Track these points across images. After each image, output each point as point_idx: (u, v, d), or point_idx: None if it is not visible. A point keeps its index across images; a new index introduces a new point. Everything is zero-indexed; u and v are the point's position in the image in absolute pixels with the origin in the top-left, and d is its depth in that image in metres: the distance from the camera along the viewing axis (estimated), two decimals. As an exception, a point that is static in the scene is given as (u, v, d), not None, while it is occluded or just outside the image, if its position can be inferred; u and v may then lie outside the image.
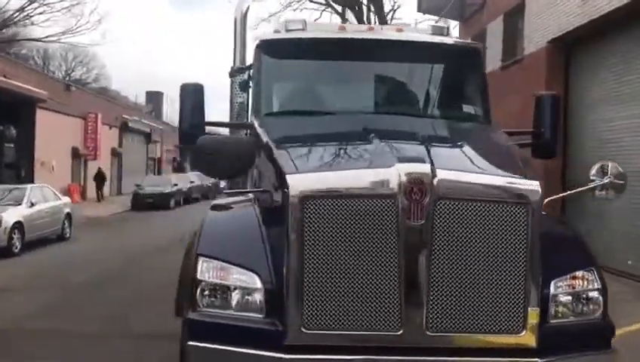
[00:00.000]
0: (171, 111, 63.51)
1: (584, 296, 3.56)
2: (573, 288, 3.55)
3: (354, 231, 3.22)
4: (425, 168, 3.20)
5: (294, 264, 3.22)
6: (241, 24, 6.35)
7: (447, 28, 5.72)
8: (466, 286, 3.24)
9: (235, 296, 3.39)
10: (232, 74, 6.08)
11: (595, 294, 3.57)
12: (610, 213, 10.38)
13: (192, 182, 36.52)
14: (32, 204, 14.40)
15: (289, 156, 3.68)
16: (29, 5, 27.35)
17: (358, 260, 3.22)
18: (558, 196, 3.72)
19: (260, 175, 4.37)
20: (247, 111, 6.28)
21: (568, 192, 4.06)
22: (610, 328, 3.57)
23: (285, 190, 3.28)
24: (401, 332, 3.21)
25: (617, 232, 10.46)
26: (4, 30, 30.85)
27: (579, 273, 3.57)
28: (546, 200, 3.45)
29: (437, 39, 5.27)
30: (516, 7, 15.47)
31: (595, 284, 3.58)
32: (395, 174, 3.18)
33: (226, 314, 3.38)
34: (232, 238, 3.64)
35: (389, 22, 18.80)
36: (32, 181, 20.87)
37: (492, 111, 5.23)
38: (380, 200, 3.21)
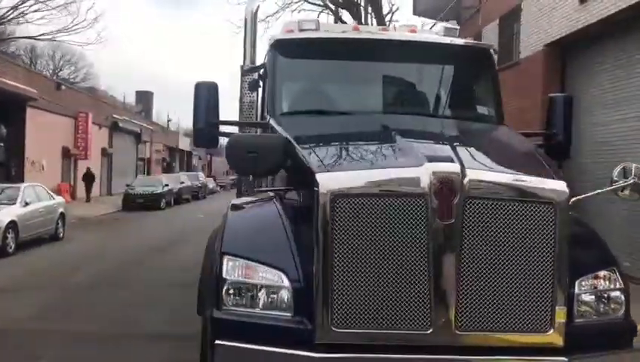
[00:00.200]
0: (159, 110, 63.26)
1: (606, 295, 3.60)
2: (596, 288, 3.59)
3: (383, 230, 3.22)
4: (455, 168, 3.22)
5: (324, 262, 3.22)
6: (251, 24, 6.34)
7: (458, 30, 5.76)
8: (495, 285, 3.26)
9: (262, 295, 3.38)
10: (244, 73, 6.07)
11: (617, 294, 3.61)
12: (608, 214, 10.49)
13: (182, 182, 36.41)
14: (27, 204, 14.24)
15: (315, 155, 3.68)
16: (22, 3, 26.98)
17: (388, 259, 3.23)
18: (582, 196, 3.76)
19: (282, 173, 4.36)
20: (257, 111, 6.28)
21: (592, 193, 4.10)
22: (633, 327, 3.61)
23: (315, 188, 3.28)
24: (430, 331, 3.22)
25: (613, 234, 10.56)
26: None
27: (601, 273, 3.62)
28: (571, 200, 3.48)
29: (451, 40, 5.30)
30: (512, 11, 15.60)
31: (617, 284, 3.62)
32: (425, 173, 3.20)
33: (253, 313, 3.36)
34: (257, 236, 3.63)
35: (387, 24, 18.89)
36: (22, 180, 20.66)
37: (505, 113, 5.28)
38: (410, 198, 3.23)
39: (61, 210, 16.26)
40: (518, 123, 7.87)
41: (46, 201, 15.60)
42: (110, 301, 8.82)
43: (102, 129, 35.77)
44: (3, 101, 21.53)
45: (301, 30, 5.33)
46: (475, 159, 3.53)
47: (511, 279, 3.27)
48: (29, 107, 24.36)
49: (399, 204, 3.23)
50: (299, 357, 3.19)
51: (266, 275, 3.39)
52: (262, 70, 5.98)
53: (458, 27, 5.81)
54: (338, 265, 3.22)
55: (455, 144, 3.63)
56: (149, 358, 6.21)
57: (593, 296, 3.56)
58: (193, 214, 26.56)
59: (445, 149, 3.51)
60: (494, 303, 3.26)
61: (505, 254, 3.26)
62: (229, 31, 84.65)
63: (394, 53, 5.20)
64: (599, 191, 4.15)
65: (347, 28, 6.16)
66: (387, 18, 20.96)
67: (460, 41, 5.44)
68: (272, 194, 4.19)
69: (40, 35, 29.03)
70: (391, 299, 3.23)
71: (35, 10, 27.00)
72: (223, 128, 6.17)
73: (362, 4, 21.24)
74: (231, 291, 3.41)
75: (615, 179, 3.92)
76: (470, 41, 6.25)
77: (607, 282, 3.61)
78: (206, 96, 4.95)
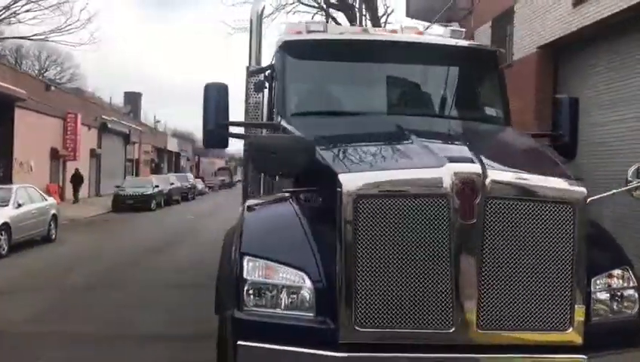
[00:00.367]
0: (147, 111, 62.85)
1: (619, 293, 3.65)
2: (610, 286, 3.63)
3: (406, 230, 3.26)
4: (476, 168, 3.26)
5: (347, 262, 3.24)
6: (256, 24, 6.35)
7: (465, 32, 5.82)
8: (515, 284, 3.30)
9: (283, 295, 3.38)
10: (251, 74, 6.07)
11: (631, 292, 3.66)
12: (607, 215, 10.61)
13: (172, 183, 36.23)
14: (19, 205, 14.09)
15: (335, 155, 3.70)
16: (14, 3, 26.64)
17: (410, 258, 3.26)
18: (597, 197, 3.83)
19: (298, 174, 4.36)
20: (262, 111, 6.28)
21: (607, 193, 4.17)
22: None
23: (338, 189, 3.30)
24: (452, 329, 3.25)
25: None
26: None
27: (615, 271, 3.67)
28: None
29: (459, 42, 5.36)
30: (505, 13, 15.73)
31: (631, 282, 3.67)
32: (447, 174, 3.24)
33: (274, 313, 3.37)
34: (275, 236, 3.63)
35: (382, 26, 18.99)
36: (10, 181, 20.42)
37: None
38: (432, 199, 3.26)
39: (53, 211, 16.13)
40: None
41: (38, 203, 15.46)
42: (106, 302, 8.77)
43: (91, 130, 35.52)
44: (-8, 101, 21.31)
45: (309, 32, 5.35)
46: (493, 160, 3.57)
47: (531, 278, 3.32)
48: (18, 107, 24.11)
49: (422, 204, 3.26)
50: (324, 356, 3.20)
51: (286, 275, 3.40)
52: (268, 71, 5.99)
53: (464, 30, 5.87)
54: (361, 265, 3.24)
55: (471, 145, 3.67)
56: (146, 359, 6.21)
57: (608, 295, 3.61)
58: (184, 215, 26.45)
59: (463, 150, 3.55)
60: (515, 302, 3.30)
61: (525, 253, 3.31)
62: (222, 32, 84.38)
63: (403, 54, 5.24)
64: (614, 191, 4.23)
65: (354, 30, 6.20)
66: (382, 20, 21.12)
67: (468, 43, 5.52)
68: (286, 194, 4.20)
69: (33, 36, 28.58)
70: (413, 298, 3.26)
71: (27, 10, 26.62)
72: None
73: (357, 5, 21.34)
74: (251, 291, 3.41)
75: (629, 179, 4.00)
76: (478, 43, 6.31)
77: (620, 280, 3.66)
78: (216, 97, 4.94)
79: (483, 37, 17.12)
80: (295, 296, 3.39)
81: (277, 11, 22.95)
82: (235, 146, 13.68)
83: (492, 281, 3.28)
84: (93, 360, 6.24)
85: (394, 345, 3.25)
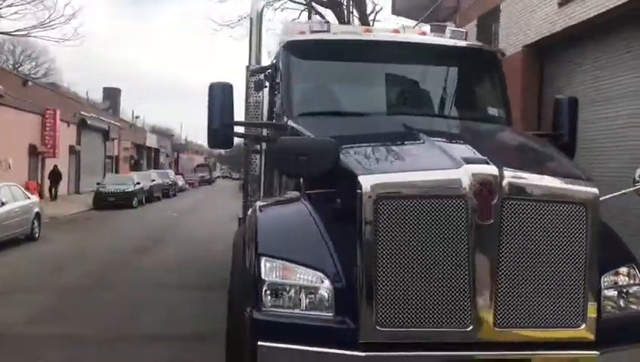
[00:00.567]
0: (125, 108, 62.08)
1: (625, 290, 3.75)
2: (617, 283, 3.74)
3: (425, 230, 3.30)
4: (493, 170, 3.32)
5: (368, 263, 3.28)
6: (256, 24, 6.35)
7: (466, 33, 5.89)
8: (531, 282, 3.38)
9: (302, 295, 3.41)
10: (252, 73, 6.07)
11: (637, 288, 3.76)
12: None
13: (153, 180, 35.87)
14: (3, 204, 13.86)
15: (352, 156, 3.72)
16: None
17: (429, 258, 3.31)
18: (607, 197, 3.92)
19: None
20: (262, 111, 6.29)
21: (616, 193, 4.28)
22: None
23: (358, 191, 3.33)
24: (470, 328, 3.31)
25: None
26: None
27: (621, 269, 3.77)
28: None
29: (463, 43, 5.42)
30: (490, 12, 15.87)
31: (637, 279, 3.78)
32: (465, 175, 3.29)
33: (293, 314, 3.39)
34: (291, 237, 3.66)
35: (370, 24, 19.03)
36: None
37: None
38: (451, 200, 3.31)
39: (36, 209, 15.90)
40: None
41: (21, 201, 15.22)
42: (101, 303, 8.68)
43: (70, 126, 34.96)
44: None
45: (312, 32, 5.37)
46: (507, 160, 3.63)
47: (546, 276, 3.39)
48: (-5, 104, 23.68)
49: (440, 205, 3.31)
50: (345, 356, 3.23)
51: (304, 276, 3.43)
52: (268, 71, 5.99)
53: (465, 30, 5.94)
54: (382, 266, 3.28)
55: (481, 145, 3.73)
56: (147, 359, 6.18)
57: (615, 292, 3.71)
58: (167, 213, 26.22)
59: (476, 151, 3.60)
60: (530, 300, 3.38)
61: (540, 252, 3.38)
62: (206, 29, 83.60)
63: (407, 54, 5.28)
64: (624, 191, 4.34)
65: (357, 30, 6.22)
66: (370, 18, 21.14)
67: (472, 44, 5.59)
68: (297, 194, 4.21)
69: (15, 31, 27.83)
70: (432, 297, 3.31)
71: (9, 5, 25.97)
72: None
73: (345, 3, 21.36)
74: (269, 292, 3.43)
75: (637, 179, 4.11)
76: (480, 44, 6.39)
77: (627, 278, 3.77)
78: (220, 96, 4.93)
79: (469, 35, 17.27)
80: (313, 296, 3.42)
81: (265, 7, 22.79)
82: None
83: (508, 280, 3.35)
84: (95, 361, 6.20)
85: (414, 343, 3.30)
